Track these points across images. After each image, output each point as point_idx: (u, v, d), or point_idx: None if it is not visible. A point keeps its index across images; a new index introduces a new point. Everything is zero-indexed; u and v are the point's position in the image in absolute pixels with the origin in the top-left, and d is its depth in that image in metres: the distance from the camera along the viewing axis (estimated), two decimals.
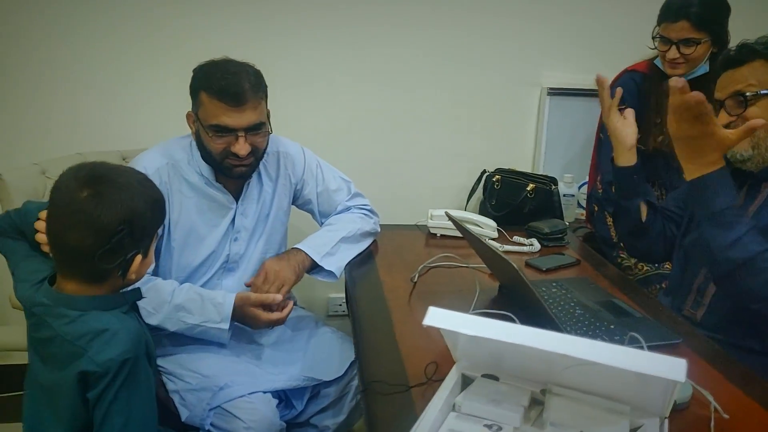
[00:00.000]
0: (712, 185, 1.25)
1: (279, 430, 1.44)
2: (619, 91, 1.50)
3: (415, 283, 1.53)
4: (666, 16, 1.84)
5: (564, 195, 2.24)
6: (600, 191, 2.04)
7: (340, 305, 2.43)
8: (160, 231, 1.49)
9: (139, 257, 1.03)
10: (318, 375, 1.55)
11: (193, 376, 1.46)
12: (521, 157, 2.42)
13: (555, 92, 2.33)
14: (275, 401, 1.47)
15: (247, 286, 1.53)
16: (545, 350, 0.79)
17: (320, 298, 2.45)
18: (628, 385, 0.89)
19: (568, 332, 1.25)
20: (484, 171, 2.30)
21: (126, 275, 1.03)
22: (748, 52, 1.27)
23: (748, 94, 1.27)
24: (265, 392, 1.45)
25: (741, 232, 1.21)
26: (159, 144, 1.56)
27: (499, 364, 1.02)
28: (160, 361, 1.50)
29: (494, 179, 2.22)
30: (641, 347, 1.09)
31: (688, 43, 1.82)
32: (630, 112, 1.51)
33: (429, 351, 1.14)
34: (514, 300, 1.41)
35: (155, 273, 1.52)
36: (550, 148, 2.38)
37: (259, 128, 1.46)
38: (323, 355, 1.60)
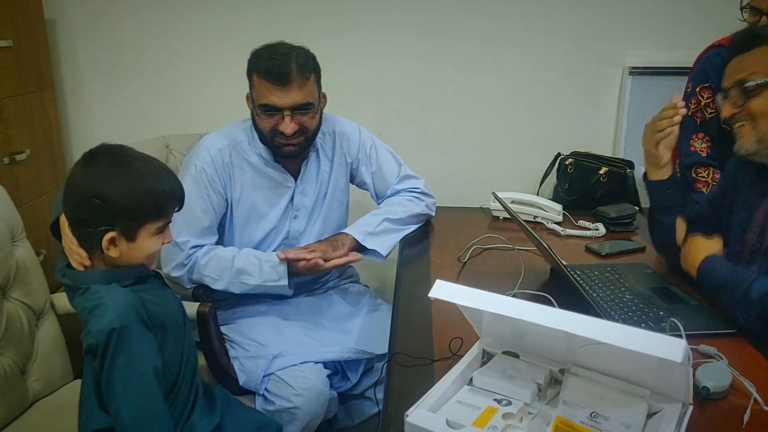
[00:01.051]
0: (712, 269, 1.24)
1: (328, 398, 1.50)
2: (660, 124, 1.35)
3: (465, 263, 1.53)
4: None
5: None
6: (678, 175, 1.91)
7: None
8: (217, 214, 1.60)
9: (112, 235, 1.05)
10: (370, 348, 1.59)
11: (251, 344, 1.56)
12: (600, 139, 2.31)
13: (638, 71, 2.20)
14: (326, 372, 1.53)
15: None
16: (537, 323, 0.78)
17: (389, 278, 2.49)
18: (648, 368, 0.86)
19: (610, 316, 1.21)
20: (559, 154, 2.23)
21: (102, 251, 1.06)
22: (753, 38, 1.16)
23: (749, 84, 1.15)
24: (316, 362, 1.52)
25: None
26: (223, 126, 1.66)
27: (520, 342, 1.01)
28: (224, 329, 1.62)
29: (567, 162, 2.14)
30: (679, 334, 1.04)
31: None
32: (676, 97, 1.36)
33: (460, 328, 1.14)
34: (561, 282, 1.38)
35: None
36: (632, 130, 2.25)
37: (307, 108, 1.52)
38: (378, 330, 1.65)
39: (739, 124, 1.20)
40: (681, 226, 1.39)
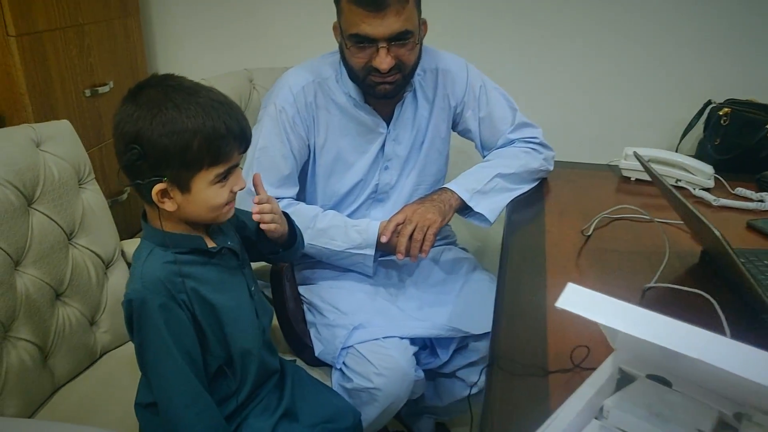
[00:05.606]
0: None
1: (413, 380, 1.31)
2: None
3: (588, 237, 1.25)
4: None
5: None
6: None
7: None
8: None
9: (162, 186, 0.90)
10: (466, 327, 1.37)
11: (330, 311, 1.38)
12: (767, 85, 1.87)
13: None
14: (413, 348, 1.33)
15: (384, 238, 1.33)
16: (721, 368, 0.52)
17: (495, 240, 2.23)
18: None
19: None
20: (709, 102, 1.82)
21: (153, 203, 0.92)
22: None
23: None
24: (402, 338, 1.32)
25: None
26: (308, 60, 1.44)
27: (673, 364, 0.74)
28: (302, 290, 1.45)
29: (721, 113, 1.74)
30: None
31: None
32: None
33: (585, 330, 0.89)
34: (718, 272, 1.07)
35: (302, 200, 1.45)
36: None
37: (405, 38, 1.25)
38: (476, 304, 1.42)
39: None
40: None
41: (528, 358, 0.87)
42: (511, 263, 1.15)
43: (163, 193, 0.92)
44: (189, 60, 2.12)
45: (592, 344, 0.85)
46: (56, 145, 1.24)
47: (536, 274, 1.10)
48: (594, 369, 0.79)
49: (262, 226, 1.06)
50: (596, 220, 1.29)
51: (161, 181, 0.90)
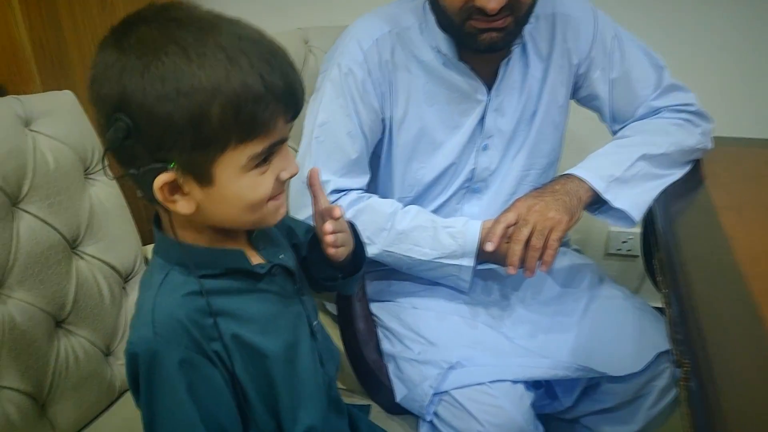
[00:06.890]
0: None
1: None
2: None
3: None
4: None
5: None
6: None
7: (625, 242, 1.81)
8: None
9: (166, 178, 0.58)
10: (602, 366, 1.00)
11: (415, 341, 1.04)
12: None
13: None
14: (530, 396, 0.98)
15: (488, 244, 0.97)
16: None
17: (596, 230, 1.84)
18: None
19: None
20: None
21: (158, 201, 0.60)
22: None
23: None
24: (515, 382, 0.97)
25: None
26: (382, 7, 1.08)
27: None
28: (374, 308, 1.12)
29: None
30: None
31: None
32: None
33: None
34: None
35: (372, 191, 1.11)
36: None
37: None
38: (610, 333, 1.05)
39: None
40: None
41: None
42: (694, 292, 0.77)
43: (172, 188, 0.60)
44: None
45: None
46: (52, 124, 0.94)
47: (742, 312, 0.72)
48: None
49: (329, 251, 0.72)
50: None
51: (166, 170, 0.58)
